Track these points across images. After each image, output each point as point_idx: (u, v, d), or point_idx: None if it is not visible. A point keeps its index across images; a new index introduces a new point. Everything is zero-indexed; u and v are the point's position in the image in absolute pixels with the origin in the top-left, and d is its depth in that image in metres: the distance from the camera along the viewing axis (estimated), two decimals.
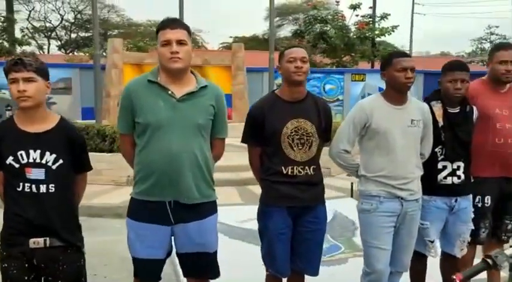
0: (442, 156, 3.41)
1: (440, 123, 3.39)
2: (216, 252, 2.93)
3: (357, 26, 18.85)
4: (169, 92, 2.74)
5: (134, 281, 2.96)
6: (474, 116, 3.49)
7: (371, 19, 19.53)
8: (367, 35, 18.52)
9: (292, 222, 3.13)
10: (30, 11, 38.21)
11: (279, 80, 16.57)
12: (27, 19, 37.86)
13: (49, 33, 40.46)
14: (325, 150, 3.25)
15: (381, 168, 3.18)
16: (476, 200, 3.61)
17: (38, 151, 2.55)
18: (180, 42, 2.74)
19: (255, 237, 3.45)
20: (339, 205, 6.33)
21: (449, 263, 3.60)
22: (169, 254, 2.92)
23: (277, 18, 41.27)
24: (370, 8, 20.34)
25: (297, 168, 3.06)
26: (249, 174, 3.58)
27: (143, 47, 21.15)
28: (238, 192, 8.27)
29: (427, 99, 3.51)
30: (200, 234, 2.80)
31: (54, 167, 2.57)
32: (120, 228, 4.67)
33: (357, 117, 3.21)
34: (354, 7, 18.88)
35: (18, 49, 20.13)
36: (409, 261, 3.39)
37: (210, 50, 35.98)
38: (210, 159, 2.88)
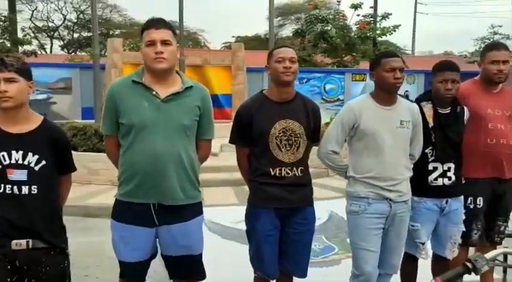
0: (433, 158, 3.38)
1: (431, 124, 3.37)
2: (201, 254, 2.91)
3: (358, 26, 18.80)
4: (154, 93, 2.72)
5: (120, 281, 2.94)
6: (465, 117, 3.46)
7: (372, 19, 19.45)
8: (368, 34, 18.45)
9: (281, 223, 3.11)
10: (32, 11, 38.36)
11: None
12: (30, 19, 37.99)
13: (52, 33, 40.52)
14: None
15: (369, 169, 3.15)
16: (468, 201, 3.58)
17: (21, 152, 2.52)
18: (165, 43, 2.71)
19: None
20: (335, 206, 6.27)
21: (440, 265, 3.56)
22: (154, 255, 2.90)
23: (279, 18, 41.27)
24: (371, 7, 20.27)
25: (284, 170, 3.03)
26: None
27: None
28: (235, 192, 8.25)
29: (418, 100, 3.49)
30: (184, 236, 2.78)
31: (36, 168, 2.54)
32: None
33: (345, 118, 3.18)
34: (355, 7, 18.82)
35: (20, 49, 20.14)
36: (398, 263, 3.36)
37: (211, 50, 35.98)
38: (196, 160, 2.86)
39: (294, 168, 3.05)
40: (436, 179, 3.38)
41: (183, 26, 13.62)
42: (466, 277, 3.60)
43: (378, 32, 18.74)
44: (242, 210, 3.24)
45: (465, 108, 3.47)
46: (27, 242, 2.53)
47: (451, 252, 3.50)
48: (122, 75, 12.62)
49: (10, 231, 2.51)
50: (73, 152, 8.35)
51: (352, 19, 19.19)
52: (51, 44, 41.04)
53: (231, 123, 3.23)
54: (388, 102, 3.19)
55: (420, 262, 3.59)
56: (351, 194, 3.24)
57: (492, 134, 3.53)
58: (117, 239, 2.81)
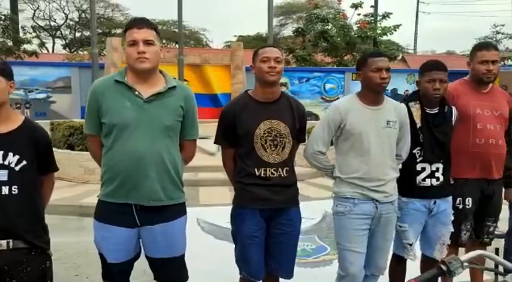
0: (421, 158, 3.36)
1: (418, 124, 3.35)
2: (183, 256, 2.89)
3: (358, 25, 18.78)
4: (136, 93, 2.70)
5: None
6: (453, 117, 3.43)
7: (373, 18, 19.43)
8: (368, 34, 18.44)
9: (266, 224, 3.09)
10: (35, 10, 38.41)
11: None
12: (32, 18, 38.05)
13: (54, 32, 40.56)
14: None
15: (355, 170, 3.13)
16: (457, 201, 3.56)
17: (1, 152, 2.51)
18: (148, 42, 2.69)
19: None
20: (330, 206, 6.24)
21: (429, 266, 3.52)
22: (137, 256, 2.88)
23: (281, 17, 41.24)
24: (372, 6, 20.24)
25: (269, 170, 3.01)
26: None
27: None
28: (231, 192, 8.23)
29: (406, 100, 3.47)
30: (166, 237, 2.76)
31: (17, 168, 2.53)
32: None
33: (331, 118, 3.16)
34: (356, 6, 18.81)
35: (21, 48, 20.19)
36: (385, 264, 3.34)
37: (210, 49, 35.99)
38: (179, 161, 2.84)
39: (279, 169, 3.03)
40: (424, 179, 3.36)
41: (182, 25, 13.62)
42: (457, 278, 3.65)
43: (379, 31, 18.72)
44: None
45: (453, 108, 3.45)
46: (8, 242, 2.52)
47: (440, 253, 3.47)
48: None
49: None
50: (70, 151, 8.37)
51: (353, 18, 19.19)
52: (53, 43, 41.12)
53: None
54: (375, 102, 3.16)
55: (410, 263, 3.58)
56: (337, 195, 3.22)
57: (481, 134, 3.51)
58: (99, 240, 2.80)
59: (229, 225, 3.15)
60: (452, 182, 3.48)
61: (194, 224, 6.07)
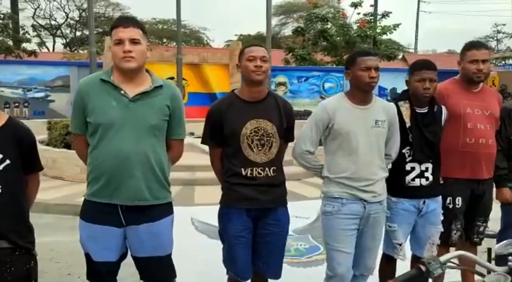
0: (410, 158, 3.34)
1: (408, 123, 3.33)
2: (170, 256, 2.87)
3: (358, 24, 18.76)
4: (122, 92, 2.69)
5: None
6: (443, 116, 3.42)
7: (372, 17, 19.40)
8: (368, 33, 18.42)
9: (254, 224, 3.08)
10: (35, 9, 38.44)
11: (277, 78, 16.56)
12: (33, 17, 38.07)
13: (54, 31, 40.60)
14: None
15: (343, 170, 3.12)
16: (447, 201, 3.54)
17: None
18: (134, 41, 2.68)
19: None
20: None
21: None
22: (123, 256, 2.87)
23: (282, 16, 41.24)
24: (372, 6, 20.22)
25: (256, 170, 3.00)
26: None
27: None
28: None
29: (395, 99, 3.45)
30: (152, 237, 2.74)
31: (0, 167, 2.51)
32: None
33: (318, 118, 3.14)
34: (355, 5, 18.78)
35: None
36: (373, 265, 3.33)
37: (209, 48, 35.99)
38: (165, 161, 2.82)
39: (266, 169, 3.01)
40: (413, 179, 3.34)
41: (180, 24, 13.60)
42: (448, 278, 3.63)
43: (378, 30, 18.70)
44: None
45: (443, 107, 3.43)
46: None
47: (430, 253, 3.45)
48: None
49: None
50: (67, 150, 8.31)
51: (352, 17, 19.17)
52: (54, 42, 41.16)
53: None
54: (363, 101, 3.14)
55: (400, 263, 3.56)
56: (326, 195, 3.21)
57: (471, 134, 3.50)
58: (85, 239, 2.79)
59: None
60: (442, 182, 3.47)
61: (188, 224, 6.07)
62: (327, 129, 3.15)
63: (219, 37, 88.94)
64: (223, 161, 3.13)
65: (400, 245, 3.40)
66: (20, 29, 22.25)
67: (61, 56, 21.76)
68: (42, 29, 39.29)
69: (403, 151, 3.33)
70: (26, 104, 15.09)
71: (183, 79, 14.28)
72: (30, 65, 15.88)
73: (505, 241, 2.03)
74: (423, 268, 1.80)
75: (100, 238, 2.73)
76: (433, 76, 3.28)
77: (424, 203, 3.36)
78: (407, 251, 3.49)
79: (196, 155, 8.19)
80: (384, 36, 19.48)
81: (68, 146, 9.38)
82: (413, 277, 1.81)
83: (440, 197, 3.46)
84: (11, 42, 20.20)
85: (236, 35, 39.57)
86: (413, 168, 3.35)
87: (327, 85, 16.67)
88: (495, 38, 40.47)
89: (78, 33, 40.81)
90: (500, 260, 2.00)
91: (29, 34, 23.25)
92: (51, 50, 38.79)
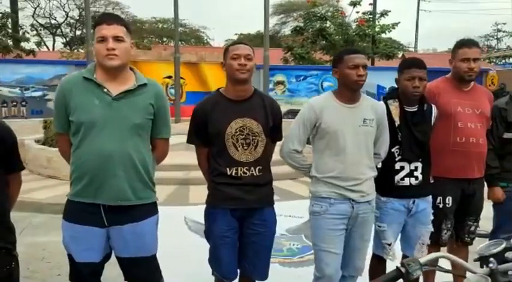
0: (400, 157, 3.31)
1: (397, 122, 3.29)
2: (154, 256, 2.83)
3: (357, 23, 18.70)
4: (105, 90, 2.65)
5: None
6: (433, 115, 3.38)
7: (371, 16, 19.35)
8: (367, 31, 18.36)
9: (240, 224, 3.04)
10: (35, 8, 38.40)
11: (276, 77, 16.52)
12: (33, 16, 38.03)
13: (54, 30, 40.57)
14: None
15: (331, 169, 3.08)
16: (438, 200, 3.51)
17: None
18: (117, 39, 2.64)
19: None
20: None
21: None
22: (107, 257, 2.83)
23: (282, 15, 41.17)
24: (371, 4, 20.17)
25: (241, 170, 2.96)
26: None
27: (147, 44, 21.11)
28: None
29: (385, 98, 3.41)
30: (136, 237, 2.71)
31: None
32: None
33: (306, 117, 3.10)
34: (354, 4, 18.72)
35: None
36: (362, 265, 3.29)
37: (209, 47, 35.95)
38: (149, 160, 2.78)
39: (252, 168, 2.98)
40: (403, 178, 3.31)
41: (178, 23, 13.57)
42: (441, 278, 3.59)
43: (377, 29, 18.64)
44: None
45: (433, 106, 3.40)
46: None
47: (420, 253, 3.42)
48: None
49: None
50: None
51: (351, 16, 19.11)
52: (54, 41, 41.14)
53: None
54: (351, 100, 3.10)
55: (390, 263, 3.52)
56: (314, 194, 3.17)
57: (462, 133, 3.46)
58: (68, 240, 2.74)
59: None
60: (432, 181, 3.43)
61: (182, 223, 6.04)
62: (314, 128, 3.11)
63: (219, 36, 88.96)
64: (209, 160, 3.09)
65: (390, 245, 3.36)
66: (19, 28, 22.20)
67: (59, 55, 21.67)
68: (42, 28, 39.24)
69: (393, 150, 3.30)
70: (23, 103, 15.05)
71: (181, 78, 14.25)
72: (28, 64, 15.82)
73: (488, 242, 2.00)
74: (403, 270, 1.77)
75: (82, 238, 2.69)
76: (423, 74, 3.24)
77: (413, 202, 3.32)
78: (397, 251, 3.46)
79: (191, 154, 8.12)
80: (384, 35, 19.42)
81: None
82: (393, 279, 1.77)
83: (430, 196, 3.42)
84: (9, 41, 20.16)
85: (236, 34, 39.59)
86: (402, 168, 3.31)
87: (326, 84, 16.57)
88: (495, 37, 40.38)
89: (78, 32, 40.77)
90: (483, 260, 1.96)
91: (28, 33, 23.20)
92: (51, 49, 38.77)
